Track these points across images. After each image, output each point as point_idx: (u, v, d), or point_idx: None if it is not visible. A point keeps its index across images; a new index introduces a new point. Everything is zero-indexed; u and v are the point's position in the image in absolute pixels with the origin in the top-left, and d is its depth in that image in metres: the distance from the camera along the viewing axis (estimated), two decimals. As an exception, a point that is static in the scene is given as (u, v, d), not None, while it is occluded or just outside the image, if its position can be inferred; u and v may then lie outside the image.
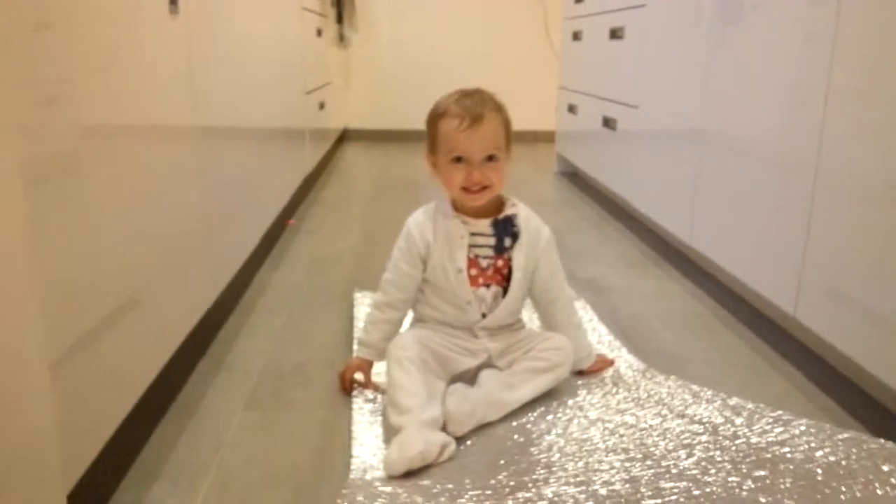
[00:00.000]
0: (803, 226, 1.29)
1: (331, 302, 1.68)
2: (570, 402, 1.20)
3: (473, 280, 1.19)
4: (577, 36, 3.08)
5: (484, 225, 1.19)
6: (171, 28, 1.19)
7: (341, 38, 4.09)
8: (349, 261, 2.01)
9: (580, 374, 1.28)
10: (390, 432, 1.05)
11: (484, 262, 1.20)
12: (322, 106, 3.13)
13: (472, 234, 1.19)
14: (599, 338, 1.45)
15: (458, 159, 1.14)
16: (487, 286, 1.20)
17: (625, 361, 1.35)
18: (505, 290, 1.21)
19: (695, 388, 1.25)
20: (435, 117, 1.17)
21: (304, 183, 2.71)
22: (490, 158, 1.14)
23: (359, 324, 1.48)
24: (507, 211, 1.21)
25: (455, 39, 4.33)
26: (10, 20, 0.68)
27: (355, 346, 1.31)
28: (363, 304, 1.59)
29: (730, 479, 0.99)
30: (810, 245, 1.28)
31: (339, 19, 4.03)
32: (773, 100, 1.42)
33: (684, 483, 0.98)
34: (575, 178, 3.32)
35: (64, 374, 0.75)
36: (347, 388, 1.23)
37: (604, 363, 1.32)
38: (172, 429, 1.12)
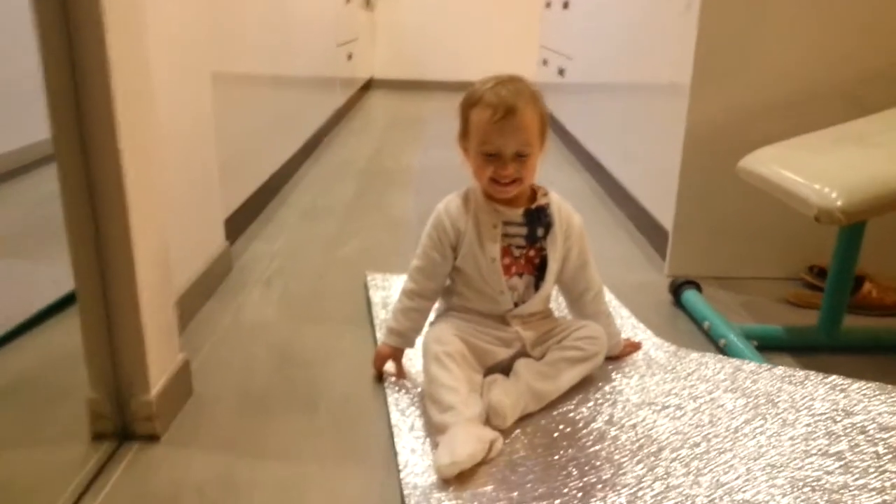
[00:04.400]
0: (621, 133, 2.20)
1: (349, 181, 2.63)
2: (608, 388, 1.18)
3: (506, 269, 1.16)
4: (549, 4, 3.93)
5: (516, 215, 1.16)
6: (258, 2, 2.12)
7: (368, 2, 4.97)
8: (364, 162, 2.96)
9: (610, 359, 1.26)
10: (430, 427, 1.06)
11: (517, 252, 1.16)
12: (350, 57, 4.04)
13: (505, 224, 1.16)
14: (622, 321, 1.42)
15: (489, 154, 1.11)
16: (520, 275, 1.17)
17: (652, 344, 1.33)
18: (536, 279, 1.18)
19: (735, 361, 1.24)
20: (469, 104, 1.14)
21: (336, 115, 3.65)
22: (521, 154, 1.10)
23: (376, 309, 1.50)
24: (540, 201, 1.17)
25: (465, 1, 5.18)
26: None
27: (378, 334, 1.37)
28: (379, 288, 1.60)
29: (808, 460, 0.98)
30: (628, 137, 2.18)
31: (367, -14, 4.90)
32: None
33: (764, 467, 0.96)
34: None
35: (225, 171, 1.69)
36: (381, 373, 1.24)
37: (632, 347, 1.31)
38: (263, 221, 2.10)
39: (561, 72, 3.41)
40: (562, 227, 1.18)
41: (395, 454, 1.02)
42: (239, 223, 1.93)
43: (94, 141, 0.91)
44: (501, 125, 1.08)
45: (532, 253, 1.17)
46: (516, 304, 1.18)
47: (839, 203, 1.14)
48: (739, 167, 1.43)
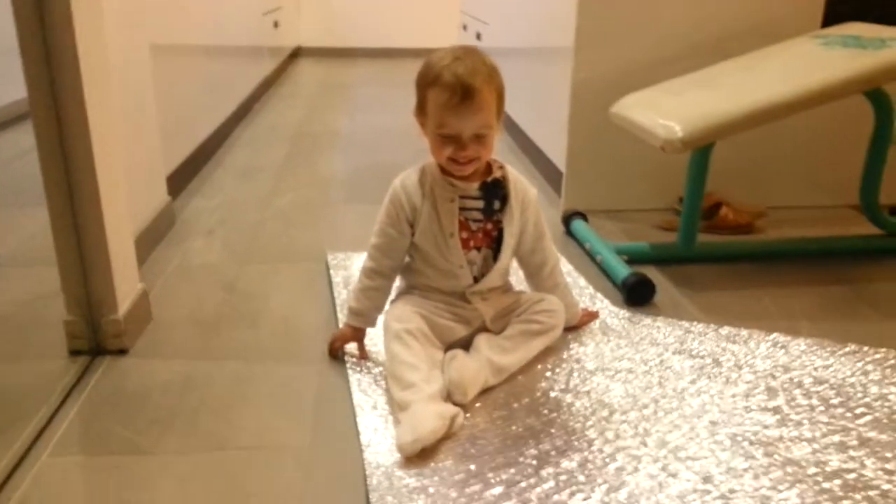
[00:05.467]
0: (528, 92, 2.45)
1: (280, 144, 2.81)
2: (565, 356, 1.22)
3: (464, 243, 1.17)
4: (466, -29, 4.13)
5: (472, 188, 1.17)
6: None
7: (292, -29, 5.05)
8: (294, 126, 3.13)
9: (568, 329, 1.29)
10: (393, 405, 1.07)
11: (474, 226, 1.18)
12: (276, 25, 4.17)
13: (462, 198, 1.17)
14: (580, 290, 1.48)
15: (448, 136, 1.10)
16: (478, 249, 1.19)
17: (609, 312, 1.39)
18: (494, 252, 1.20)
19: (684, 323, 1.30)
20: (425, 82, 1.12)
21: (265, 82, 3.79)
22: (479, 135, 1.10)
23: (338, 289, 1.50)
24: (495, 174, 1.18)
25: (386, -29, 5.32)
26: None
27: (339, 314, 1.38)
28: (340, 268, 1.60)
29: (748, 416, 1.05)
30: (533, 96, 2.43)
31: (290, -45, 4.98)
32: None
33: (706, 424, 1.03)
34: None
35: (164, 134, 1.86)
36: (337, 355, 1.24)
37: (590, 316, 1.35)
38: (201, 180, 2.27)
39: (478, 36, 3.63)
40: (517, 199, 1.19)
41: (357, 432, 1.04)
42: (179, 182, 2.10)
43: (63, 97, 1.10)
44: (459, 108, 1.07)
45: (490, 226, 1.19)
46: (476, 280, 1.20)
47: (679, 135, 1.42)
48: (611, 112, 1.69)
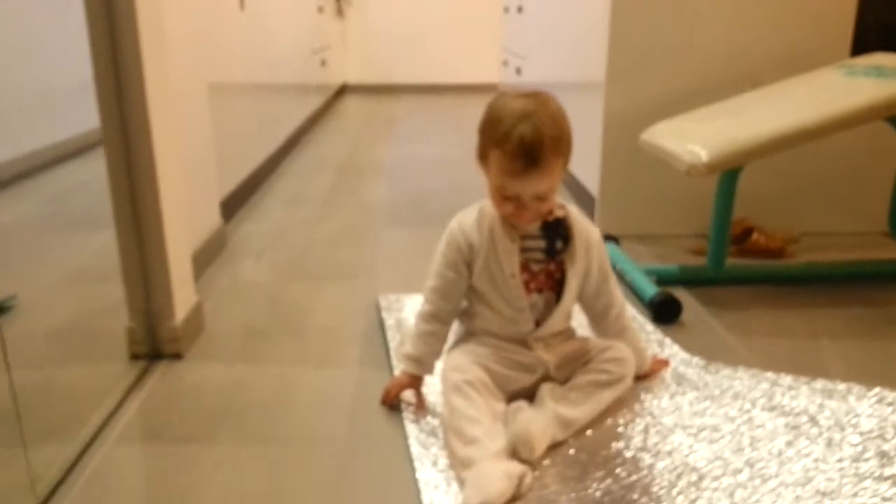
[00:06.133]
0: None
1: (327, 174, 2.94)
2: (638, 409, 1.13)
3: (525, 286, 1.13)
4: (507, 9, 4.27)
5: (534, 227, 1.13)
6: (241, 18, 2.43)
7: (339, 11, 5.29)
8: (340, 158, 3.28)
9: (638, 378, 1.21)
10: (454, 461, 1.01)
11: (535, 267, 1.14)
12: (323, 63, 4.36)
13: (523, 238, 1.13)
14: (647, 336, 1.39)
15: (508, 196, 1.08)
16: (539, 292, 1.15)
17: (681, 359, 1.29)
18: (557, 296, 1.15)
19: (770, 375, 1.19)
20: (490, 137, 1.08)
21: (313, 117, 3.97)
22: (541, 197, 1.08)
23: (391, 332, 1.44)
24: (557, 213, 1.13)
25: (429, 5, 5.51)
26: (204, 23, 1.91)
27: (394, 362, 1.31)
28: (393, 310, 1.54)
29: (861, 485, 0.92)
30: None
31: (338, -3, 5.22)
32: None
33: (814, 494, 0.90)
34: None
35: (219, 163, 2.00)
36: (393, 404, 1.18)
37: (660, 364, 1.27)
38: (251, 208, 2.41)
39: (518, 71, 3.75)
40: (581, 239, 1.15)
41: (417, 489, 0.98)
42: (231, 208, 2.24)
43: (132, 127, 1.23)
44: (522, 175, 1.05)
45: (552, 267, 1.15)
46: (537, 324, 1.15)
47: (704, 159, 1.48)
48: (641, 140, 1.76)
